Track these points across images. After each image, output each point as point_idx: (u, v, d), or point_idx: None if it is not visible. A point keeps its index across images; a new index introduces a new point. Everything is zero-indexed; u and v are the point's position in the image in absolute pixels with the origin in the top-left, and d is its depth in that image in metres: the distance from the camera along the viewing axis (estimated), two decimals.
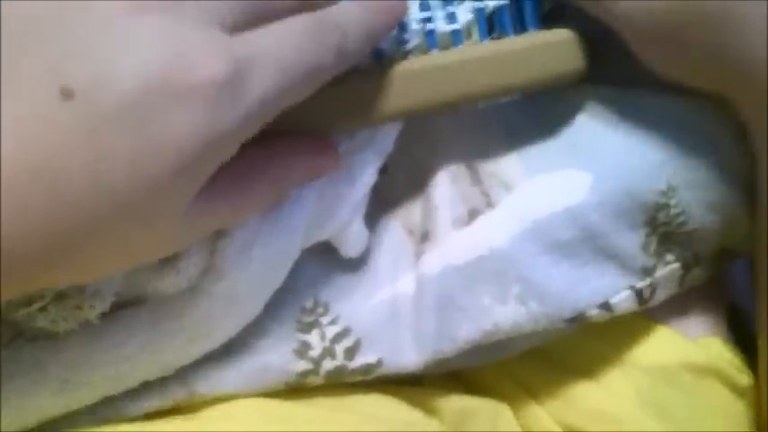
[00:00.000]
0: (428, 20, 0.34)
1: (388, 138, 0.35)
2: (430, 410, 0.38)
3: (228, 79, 0.26)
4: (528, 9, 0.35)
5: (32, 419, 0.34)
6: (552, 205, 0.34)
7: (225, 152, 0.28)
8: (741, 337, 0.42)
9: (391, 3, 0.32)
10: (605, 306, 0.35)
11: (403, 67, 0.34)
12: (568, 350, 0.40)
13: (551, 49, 0.34)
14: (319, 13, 0.30)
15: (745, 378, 0.41)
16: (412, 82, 0.33)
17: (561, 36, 0.35)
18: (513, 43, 0.35)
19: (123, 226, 0.27)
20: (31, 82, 0.25)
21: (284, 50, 0.28)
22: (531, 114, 0.37)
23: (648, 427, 0.38)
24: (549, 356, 0.40)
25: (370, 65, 0.34)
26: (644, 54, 0.34)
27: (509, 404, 0.40)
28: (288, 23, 0.29)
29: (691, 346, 0.41)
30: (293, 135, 0.32)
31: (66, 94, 0.25)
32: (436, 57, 0.34)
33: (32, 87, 0.25)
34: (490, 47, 0.34)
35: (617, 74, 0.36)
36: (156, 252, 0.30)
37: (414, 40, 0.34)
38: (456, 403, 0.39)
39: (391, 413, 0.37)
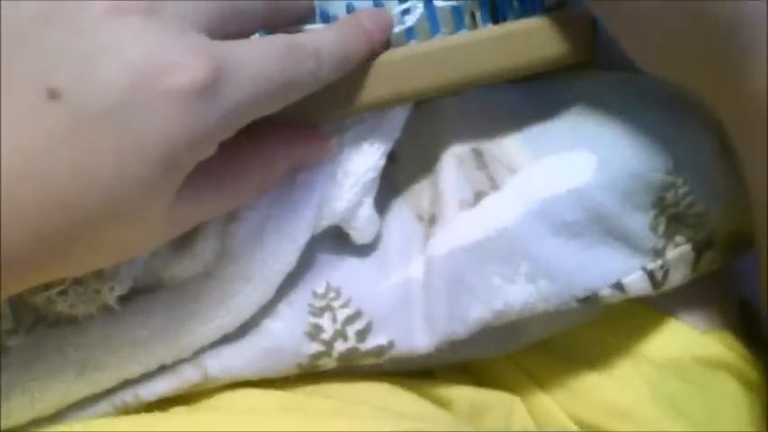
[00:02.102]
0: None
1: (396, 122, 0.36)
2: (441, 403, 0.38)
3: (210, 81, 0.27)
4: None
5: (54, 403, 0.35)
6: (557, 186, 0.35)
7: (204, 151, 0.29)
8: (753, 331, 0.42)
9: (369, 29, 0.34)
10: (618, 286, 0.35)
11: (391, 55, 0.35)
12: (580, 342, 0.40)
13: (549, 32, 0.35)
14: (296, 39, 0.31)
15: (756, 372, 0.40)
16: (399, 68, 0.35)
17: (560, 19, 0.36)
18: (507, 28, 0.36)
19: (112, 223, 0.28)
20: (20, 86, 0.26)
21: (264, 63, 0.29)
22: (535, 100, 0.38)
23: (659, 420, 0.38)
24: (561, 349, 0.40)
25: None
26: (635, 53, 0.34)
27: (520, 397, 0.40)
28: (268, 41, 0.30)
29: (702, 339, 0.40)
30: (278, 125, 0.33)
31: (53, 95, 0.26)
32: (421, 45, 0.35)
33: (20, 91, 0.26)
34: (476, 34, 0.36)
35: (617, 58, 0.37)
36: (144, 245, 0.31)
37: (413, 22, 0.36)
38: (468, 396, 0.39)
39: (401, 405, 0.37)
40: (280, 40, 0.31)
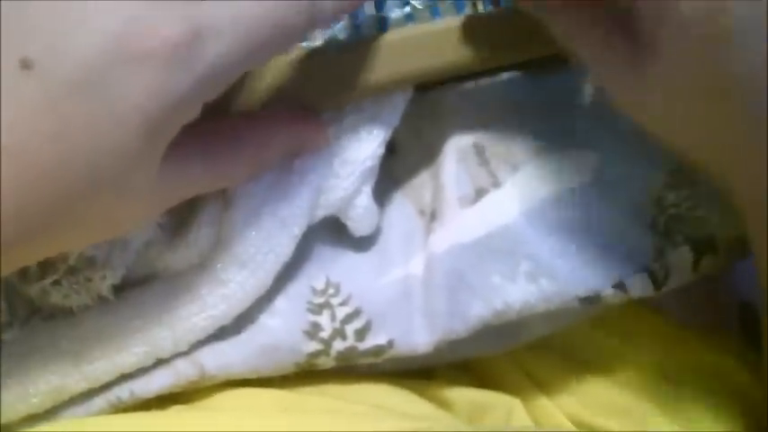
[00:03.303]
0: None
1: (395, 110, 0.35)
2: (442, 403, 0.38)
3: (184, 42, 0.26)
4: None
5: (49, 398, 0.34)
6: (558, 185, 0.35)
7: (186, 114, 0.28)
8: (752, 334, 0.42)
9: None
10: (620, 286, 0.35)
11: (389, 36, 0.34)
12: (580, 344, 0.40)
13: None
14: None
15: (754, 375, 0.40)
16: (397, 50, 0.34)
17: None
18: (508, 9, 0.35)
19: (95, 194, 0.27)
20: None
21: (244, 12, 0.28)
22: (538, 94, 0.37)
23: (657, 423, 0.38)
24: (561, 350, 0.40)
25: (364, 36, 0.35)
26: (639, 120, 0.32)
27: (520, 398, 0.40)
28: None
29: (701, 343, 0.40)
30: (276, 108, 0.33)
31: (26, 65, 0.26)
32: (418, 27, 0.35)
33: None
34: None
35: None
36: (132, 219, 0.30)
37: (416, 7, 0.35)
38: (468, 396, 0.39)
39: (400, 405, 0.37)
40: None
